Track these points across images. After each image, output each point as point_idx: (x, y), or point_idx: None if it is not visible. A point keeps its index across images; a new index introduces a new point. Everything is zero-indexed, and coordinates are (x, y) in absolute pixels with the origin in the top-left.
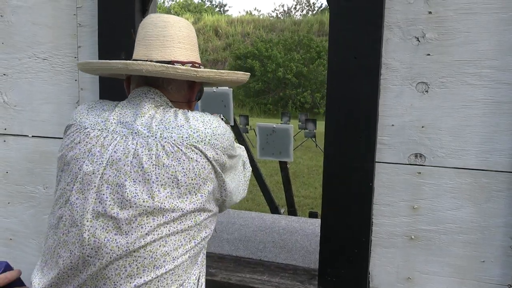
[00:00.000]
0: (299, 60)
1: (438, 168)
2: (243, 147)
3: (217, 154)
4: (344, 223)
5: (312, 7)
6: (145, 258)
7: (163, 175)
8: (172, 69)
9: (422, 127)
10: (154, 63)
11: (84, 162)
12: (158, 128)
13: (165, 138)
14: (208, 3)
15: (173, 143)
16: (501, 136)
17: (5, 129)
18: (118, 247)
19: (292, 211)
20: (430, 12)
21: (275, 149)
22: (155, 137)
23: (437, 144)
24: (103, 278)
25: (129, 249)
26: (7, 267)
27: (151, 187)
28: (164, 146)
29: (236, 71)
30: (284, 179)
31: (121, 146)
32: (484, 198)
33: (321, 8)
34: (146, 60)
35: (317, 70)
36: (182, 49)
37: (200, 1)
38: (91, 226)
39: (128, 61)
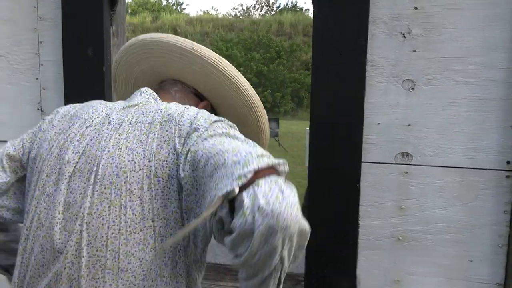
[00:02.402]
0: (259, 60)
1: (425, 167)
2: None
3: (180, 135)
4: (330, 225)
5: (271, 6)
6: (107, 259)
7: (124, 157)
8: (170, 38)
9: (409, 125)
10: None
11: (63, 151)
12: (135, 113)
13: (139, 122)
14: (164, 2)
15: (143, 127)
16: (488, 134)
17: None
18: (81, 241)
19: None
20: (416, 8)
21: None
22: (130, 122)
23: (424, 142)
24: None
25: (91, 244)
26: None
27: (113, 172)
28: (134, 130)
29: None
30: None
31: (97, 133)
32: (471, 196)
33: (279, 8)
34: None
35: (277, 70)
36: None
37: None
38: (62, 219)
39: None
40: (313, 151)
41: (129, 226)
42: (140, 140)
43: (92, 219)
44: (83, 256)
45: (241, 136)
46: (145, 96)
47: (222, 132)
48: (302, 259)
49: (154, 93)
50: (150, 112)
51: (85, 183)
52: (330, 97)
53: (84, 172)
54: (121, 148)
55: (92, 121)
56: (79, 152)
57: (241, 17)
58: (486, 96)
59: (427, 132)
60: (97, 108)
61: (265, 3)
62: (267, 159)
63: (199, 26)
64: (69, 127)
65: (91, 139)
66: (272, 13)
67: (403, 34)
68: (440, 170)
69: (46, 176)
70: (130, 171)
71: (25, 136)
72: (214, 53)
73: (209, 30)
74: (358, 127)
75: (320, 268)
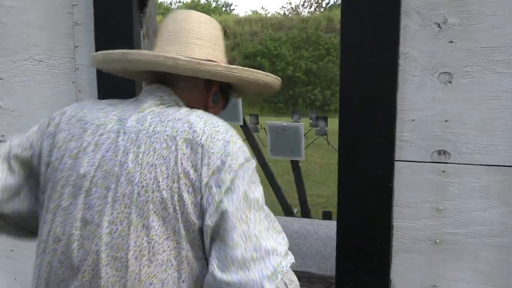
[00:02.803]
0: (308, 58)
1: (464, 166)
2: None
3: (209, 157)
4: (362, 227)
5: (320, 4)
6: (127, 280)
7: (145, 175)
8: (172, 60)
9: (446, 121)
10: (154, 52)
11: (78, 162)
12: (152, 121)
13: (158, 133)
14: (214, 3)
15: (163, 139)
16: None
17: (3, 135)
18: (99, 262)
19: (305, 212)
20: None
21: (286, 148)
22: (147, 132)
23: (463, 139)
24: None
25: (110, 265)
26: None
27: (133, 190)
28: (153, 142)
29: (255, 70)
30: (296, 178)
31: (113, 144)
32: None
33: (329, 4)
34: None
35: (327, 67)
36: (201, 47)
37: (206, 1)
38: (80, 236)
39: (128, 50)
40: (343, 150)
41: (152, 247)
42: (162, 156)
43: (112, 239)
44: (101, 277)
45: (264, 206)
46: (159, 95)
47: (251, 199)
48: (332, 260)
49: (167, 89)
50: (168, 121)
51: (102, 200)
52: (360, 93)
53: (101, 188)
54: (141, 164)
55: (105, 127)
56: (94, 165)
57: (289, 15)
58: None
59: (466, 128)
60: (107, 111)
61: (314, 0)
62: (279, 264)
63: (248, 26)
64: (80, 135)
65: (107, 151)
66: (322, 10)
67: (438, 24)
68: (481, 169)
69: (61, 187)
70: (153, 191)
71: (33, 135)
72: (221, 63)
73: (258, 29)
74: (391, 124)
75: (352, 271)
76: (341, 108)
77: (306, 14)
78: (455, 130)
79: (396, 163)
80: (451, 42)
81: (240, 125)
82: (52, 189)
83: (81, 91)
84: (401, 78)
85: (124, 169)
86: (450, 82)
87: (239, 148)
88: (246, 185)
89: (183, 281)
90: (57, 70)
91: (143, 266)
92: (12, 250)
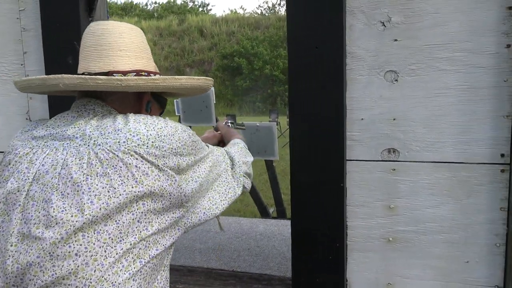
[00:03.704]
0: (286, 57)
1: (414, 163)
2: (222, 149)
3: (164, 157)
4: (316, 228)
5: None
6: (77, 287)
7: (97, 184)
8: (91, 81)
9: (394, 119)
10: (71, 75)
11: (9, 180)
12: (92, 134)
13: (100, 145)
14: (191, 4)
15: (108, 150)
16: (479, 125)
17: None
18: (43, 272)
19: (281, 211)
20: None
21: (260, 148)
22: (88, 145)
23: (411, 137)
24: None
25: (56, 274)
26: None
27: (81, 199)
28: (97, 153)
29: (178, 77)
30: (271, 178)
31: (49, 158)
32: (464, 193)
33: None
34: (84, 73)
35: None
36: (124, 57)
37: (182, 1)
38: (15, 251)
39: (47, 76)
40: (294, 152)
41: (104, 251)
42: (112, 165)
43: (57, 248)
44: (47, 287)
45: (216, 168)
46: (91, 108)
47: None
48: (289, 263)
49: (98, 101)
50: (109, 133)
51: (40, 212)
52: (308, 93)
53: (39, 201)
54: (89, 175)
55: (38, 145)
56: (29, 179)
57: (266, 14)
58: (476, 85)
59: (413, 126)
60: (38, 131)
61: None
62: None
63: (225, 26)
64: (13, 158)
65: (42, 165)
66: None
67: (383, 23)
68: (430, 166)
69: None
70: (109, 197)
71: None
72: (150, 69)
73: (235, 29)
74: (340, 124)
75: (308, 272)
76: (290, 110)
77: (283, 13)
78: (403, 128)
79: (347, 163)
80: (396, 40)
81: (213, 126)
82: None
83: (32, 98)
84: (348, 78)
85: (68, 180)
86: (396, 80)
87: (182, 133)
88: (201, 161)
89: (133, 280)
90: (7, 77)
91: (94, 271)
92: None
